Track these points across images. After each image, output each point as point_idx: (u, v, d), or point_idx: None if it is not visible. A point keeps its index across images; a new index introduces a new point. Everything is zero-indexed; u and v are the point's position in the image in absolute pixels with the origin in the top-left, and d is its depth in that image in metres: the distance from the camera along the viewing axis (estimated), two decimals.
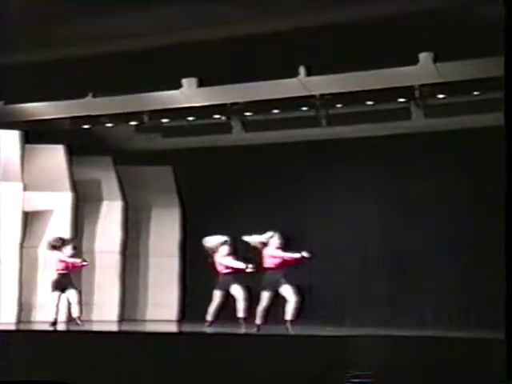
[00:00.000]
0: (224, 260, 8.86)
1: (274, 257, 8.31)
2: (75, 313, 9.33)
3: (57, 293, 9.28)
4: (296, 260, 8.18)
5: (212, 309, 8.83)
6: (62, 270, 9.31)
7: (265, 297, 8.31)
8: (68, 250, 9.41)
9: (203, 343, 7.73)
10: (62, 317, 9.71)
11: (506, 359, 4.80)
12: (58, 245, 9.42)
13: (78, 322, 9.23)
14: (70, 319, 9.61)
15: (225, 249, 8.92)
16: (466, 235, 9.56)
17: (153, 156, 11.26)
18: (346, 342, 7.10)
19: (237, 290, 8.72)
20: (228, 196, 11.20)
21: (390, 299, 9.91)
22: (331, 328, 8.81)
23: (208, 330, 8.70)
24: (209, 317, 8.80)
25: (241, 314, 8.67)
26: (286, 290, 8.19)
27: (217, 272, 8.90)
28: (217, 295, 8.81)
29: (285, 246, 8.40)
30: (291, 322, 8.13)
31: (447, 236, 9.68)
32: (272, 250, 8.36)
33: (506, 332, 4.85)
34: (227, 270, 8.82)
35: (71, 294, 9.31)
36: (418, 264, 9.72)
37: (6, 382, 7.01)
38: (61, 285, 9.28)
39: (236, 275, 8.77)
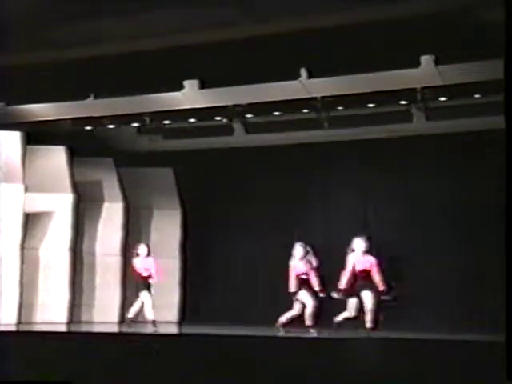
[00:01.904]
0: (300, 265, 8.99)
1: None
2: (150, 315, 9.57)
3: (144, 293, 9.58)
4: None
5: (289, 315, 8.94)
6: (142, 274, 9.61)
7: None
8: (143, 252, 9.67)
9: (204, 345, 7.77)
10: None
11: (506, 359, 4.80)
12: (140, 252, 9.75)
13: (153, 324, 9.45)
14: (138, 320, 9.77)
15: (300, 251, 9.04)
16: (466, 237, 9.60)
17: (154, 157, 11.29)
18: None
19: (305, 297, 8.90)
20: (229, 198, 11.21)
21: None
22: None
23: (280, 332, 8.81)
24: (282, 318, 8.94)
25: (309, 321, 8.88)
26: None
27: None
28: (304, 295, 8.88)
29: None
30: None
31: (448, 237, 9.73)
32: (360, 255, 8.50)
33: (506, 332, 4.87)
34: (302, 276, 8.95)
35: (146, 298, 9.59)
36: (419, 266, 9.76)
37: (6, 382, 7.09)
38: (140, 288, 9.60)
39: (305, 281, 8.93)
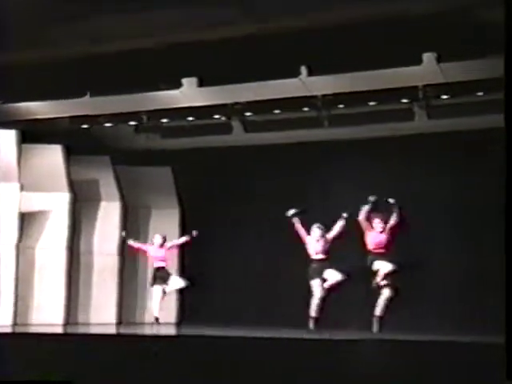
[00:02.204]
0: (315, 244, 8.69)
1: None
2: (155, 311, 9.49)
3: (157, 287, 9.52)
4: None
5: (314, 302, 8.53)
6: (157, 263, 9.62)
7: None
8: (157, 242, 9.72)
9: (203, 346, 7.69)
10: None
11: (505, 359, 4.91)
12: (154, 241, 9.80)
13: (156, 321, 9.37)
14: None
15: (317, 232, 8.77)
16: (468, 235, 9.58)
17: (152, 156, 11.26)
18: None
19: (333, 275, 8.53)
20: (228, 197, 11.18)
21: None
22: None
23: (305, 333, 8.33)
24: (312, 313, 8.52)
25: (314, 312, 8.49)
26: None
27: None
28: (315, 284, 8.53)
29: None
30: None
31: (450, 237, 9.69)
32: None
33: (506, 332, 4.96)
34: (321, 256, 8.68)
35: (156, 291, 9.55)
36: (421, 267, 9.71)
37: (6, 382, 7.10)
38: (159, 279, 9.54)
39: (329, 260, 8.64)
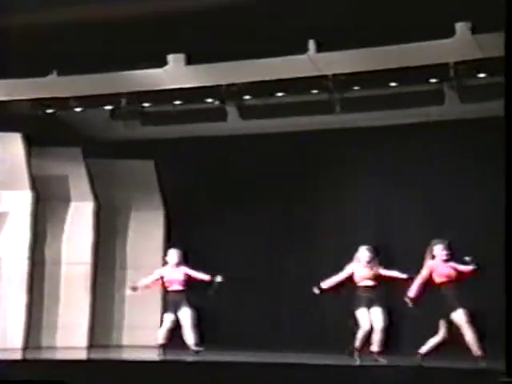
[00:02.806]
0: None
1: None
2: (189, 338, 9.34)
3: (169, 314, 9.43)
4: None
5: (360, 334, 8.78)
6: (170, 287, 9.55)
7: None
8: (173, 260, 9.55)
9: (188, 373, 7.95)
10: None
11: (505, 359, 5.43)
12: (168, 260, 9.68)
13: (194, 348, 9.27)
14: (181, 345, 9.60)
15: (365, 254, 8.96)
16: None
17: (131, 147, 11.20)
18: None
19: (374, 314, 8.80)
20: (222, 195, 11.16)
21: None
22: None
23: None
24: (374, 347, 8.74)
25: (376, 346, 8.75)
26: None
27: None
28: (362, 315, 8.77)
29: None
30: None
31: (473, 233, 9.66)
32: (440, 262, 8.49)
33: (505, 331, 5.50)
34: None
35: (185, 315, 9.37)
36: None
37: (6, 381, 7.42)
38: (174, 304, 9.45)
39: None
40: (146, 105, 10.29)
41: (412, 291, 8.45)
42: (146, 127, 11.04)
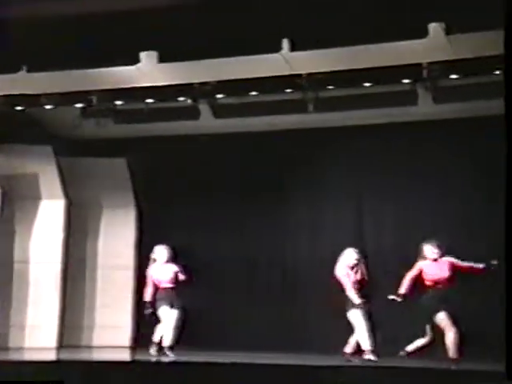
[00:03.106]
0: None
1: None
2: (167, 340, 9.29)
3: (160, 311, 9.36)
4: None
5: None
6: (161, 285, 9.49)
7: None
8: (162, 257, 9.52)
9: (160, 373, 8.01)
10: None
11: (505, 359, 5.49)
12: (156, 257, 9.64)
13: (168, 353, 9.22)
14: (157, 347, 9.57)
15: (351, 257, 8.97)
16: (474, 238, 9.67)
17: (103, 145, 11.15)
18: None
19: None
20: (194, 194, 11.13)
21: None
22: None
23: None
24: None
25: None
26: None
27: None
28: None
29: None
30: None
31: (452, 238, 9.60)
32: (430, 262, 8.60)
33: (505, 331, 5.51)
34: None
35: (171, 315, 9.32)
36: None
37: (6, 381, 7.47)
38: (163, 302, 9.39)
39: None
40: (118, 103, 10.19)
41: (403, 288, 8.53)
42: (118, 125, 10.98)
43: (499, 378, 5.71)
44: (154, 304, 9.52)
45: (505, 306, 5.40)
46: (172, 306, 9.41)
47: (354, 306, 8.77)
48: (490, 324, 9.33)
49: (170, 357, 9.17)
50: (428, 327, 8.51)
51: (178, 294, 9.57)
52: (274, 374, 7.81)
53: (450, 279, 8.57)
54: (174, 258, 9.71)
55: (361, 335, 8.74)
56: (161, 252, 9.70)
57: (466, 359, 8.33)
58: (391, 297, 8.60)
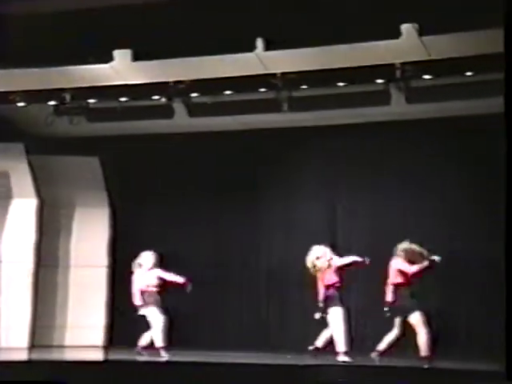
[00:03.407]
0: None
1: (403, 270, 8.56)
2: (158, 341, 9.28)
3: (151, 309, 9.35)
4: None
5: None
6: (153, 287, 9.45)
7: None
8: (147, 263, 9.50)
9: (136, 373, 7.93)
10: None
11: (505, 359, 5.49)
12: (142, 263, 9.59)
13: (162, 352, 9.21)
14: (148, 347, 9.52)
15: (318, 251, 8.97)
16: (449, 237, 9.78)
17: (76, 144, 11.05)
18: None
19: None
20: (168, 193, 11.12)
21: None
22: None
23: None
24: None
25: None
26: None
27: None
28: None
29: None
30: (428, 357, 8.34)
31: (427, 238, 9.65)
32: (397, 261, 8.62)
33: (505, 331, 5.46)
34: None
35: (156, 317, 9.30)
36: None
37: (6, 381, 7.47)
38: (147, 304, 9.37)
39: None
40: (91, 101, 10.17)
41: (388, 296, 8.59)
42: (91, 123, 10.88)
43: (499, 377, 5.75)
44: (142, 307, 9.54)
45: (505, 305, 5.47)
46: (159, 309, 9.39)
47: (331, 305, 8.80)
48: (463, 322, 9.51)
49: (164, 357, 9.20)
50: (396, 321, 8.56)
51: (163, 296, 9.56)
52: (249, 373, 7.79)
53: (417, 277, 8.63)
54: (159, 263, 9.69)
55: (337, 336, 8.77)
56: (147, 258, 9.63)
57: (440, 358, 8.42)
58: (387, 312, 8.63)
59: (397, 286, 8.55)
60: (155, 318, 9.34)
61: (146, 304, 9.42)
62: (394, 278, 8.55)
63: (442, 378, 7.52)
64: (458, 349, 9.34)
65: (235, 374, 7.69)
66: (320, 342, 8.93)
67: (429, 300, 9.09)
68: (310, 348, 8.94)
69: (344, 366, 8.36)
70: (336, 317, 8.77)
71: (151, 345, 9.45)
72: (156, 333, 9.32)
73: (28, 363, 9.15)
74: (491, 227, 8.95)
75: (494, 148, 8.98)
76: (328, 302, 8.82)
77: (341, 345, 8.72)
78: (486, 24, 7.19)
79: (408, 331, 8.57)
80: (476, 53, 7.82)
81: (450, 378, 7.43)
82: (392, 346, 8.61)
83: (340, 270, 8.91)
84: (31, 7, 8.20)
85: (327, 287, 8.78)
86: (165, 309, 9.41)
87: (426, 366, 8.17)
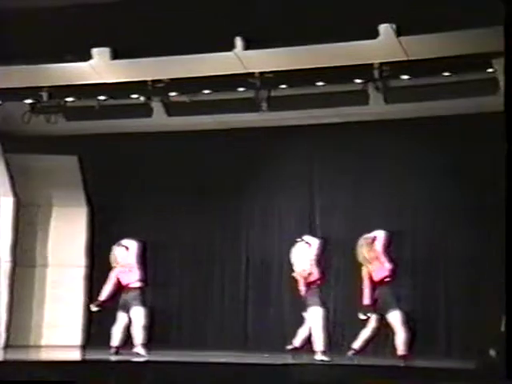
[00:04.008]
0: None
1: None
2: (137, 338, 9.22)
3: (122, 313, 9.33)
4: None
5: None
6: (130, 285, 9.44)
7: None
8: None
9: (115, 372, 7.89)
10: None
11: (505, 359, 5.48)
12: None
13: (140, 350, 9.16)
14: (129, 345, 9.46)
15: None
16: (430, 235, 9.86)
17: (53, 143, 11.01)
18: None
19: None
20: (146, 192, 11.09)
21: None
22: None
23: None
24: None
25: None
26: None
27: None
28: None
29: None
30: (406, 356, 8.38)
31: (406, 236, 9.91)
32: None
33: (506, 332, 5.47)
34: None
35: (137, 314, 9.25)
36: None
37: (6, 381, 7.50)
38: (126, 303, 9.34)
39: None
40: (69, 99, 10.12)
41: (366, 298, 8.60)
42: (69, 122, 10.85)
43: (499, 377, 5.74)
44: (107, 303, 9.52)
45: (505, 306, 5.42)
46: (133, 307, 9.37)
47: (311, 303, 8.82)
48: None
49: (141, 355, 9.16)
50: (373, 319, 8.59)
51: (143, 293, 9.57)
52: (229, 372, 7.78)
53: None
54: (141, 258, 9.73)
55: (316, 335, 8.79)
56: (124, 254, 9.65)
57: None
58: (362, 317, 8.64)
59: (375, 283, 8.59)
60: (135, 315, 9.29)
61: (125, 302, 9.39)
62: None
63: (441, 378, 7.47)
64: (436, 347, 9.41)
65: (214, 374, 7.68)
66: (298, 341, 8.95)
67: (407, 298, 9.15)
68: (289, 347, 8.96)
69: (322, 365, 8.35)
70: (315, 316, 8.79)
71: (125, 343, 9.42)
72: (136, 330, 9.28)
73: (2, 363, 9.03)
74: (473, 226, 9.09)
75: (471, 147, 9.15)
76: (308, 300, 8.84)
77: (319, 344, 8.75)
78: (463, 24, 7.24)
79: (385, 329, 8.65)
80: (454, 53, 7.84)
81: (450, 378, 7.42)
82: (368, 342, 8.65)
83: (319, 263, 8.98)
84: (6, 4, 8.11)
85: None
86: (145, 306, 9.39)
87: (402, 365, 8.22)
